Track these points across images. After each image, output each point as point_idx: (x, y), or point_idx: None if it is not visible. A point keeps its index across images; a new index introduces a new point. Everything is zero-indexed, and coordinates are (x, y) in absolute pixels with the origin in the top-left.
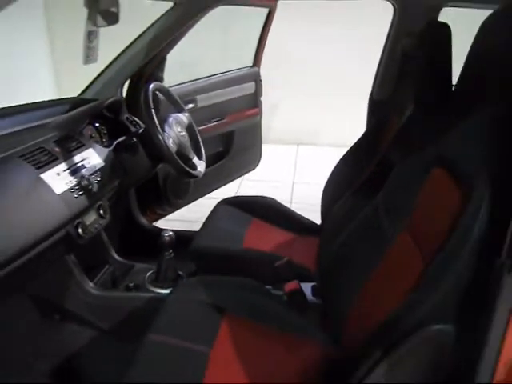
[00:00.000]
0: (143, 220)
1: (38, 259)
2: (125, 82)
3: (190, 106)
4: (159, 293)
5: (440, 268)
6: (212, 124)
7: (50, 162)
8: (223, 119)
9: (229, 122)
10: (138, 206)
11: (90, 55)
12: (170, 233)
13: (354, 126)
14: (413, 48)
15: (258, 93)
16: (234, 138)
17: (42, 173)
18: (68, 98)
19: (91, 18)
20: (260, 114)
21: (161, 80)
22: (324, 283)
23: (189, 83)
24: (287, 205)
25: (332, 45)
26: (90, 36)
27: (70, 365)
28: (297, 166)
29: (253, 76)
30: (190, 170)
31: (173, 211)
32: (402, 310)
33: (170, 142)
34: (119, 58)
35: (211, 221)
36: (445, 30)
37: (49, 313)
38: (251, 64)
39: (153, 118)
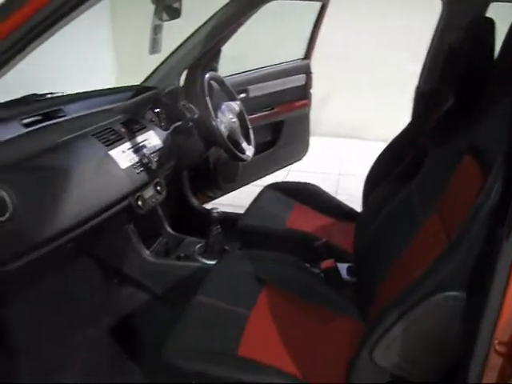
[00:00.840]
0: (194, 201)
1: (104, 225)
2: (183, 71)
3: (242, 95)
4: (206, 263)
5: (456, 240)
6: (262, 113)
7: (116, 140)
8: (273, 109)
9: (278, 113)
10: (190, 187)
11: (154, 47)
12: (219, 209)
13: (403, 120)
14: (459, 42)
15: (307, 85)
16: (282, 128)
17: (110, 150)
18: (132, 86)
19: (157, 13)
20: (309, 105)
21: (215, 70)
22: (359, 263)
23: (241, 74)
24: None
25: (384, 38)
26: (156, 29)
27: (126, 324)
28: (344, 158)
29: (303, 68)
30: (239, 154)
31: (222, 195)
32: (420, 278)
33: (222, 128)
34: (179, 50)
35: (257, 203)
36: (489, 25)
37: (110, 276)
38: (302, 56)
39: (207, 105)
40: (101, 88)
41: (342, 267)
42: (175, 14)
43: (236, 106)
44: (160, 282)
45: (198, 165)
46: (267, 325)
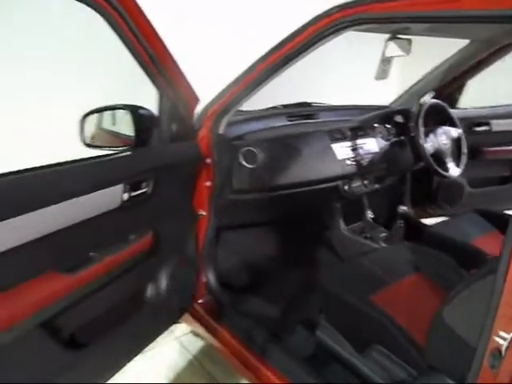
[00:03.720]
0: (409, 209)
1: (316, 195)
2: (422, 96)
3: (484, 128)
4: (383, 247)
5: None
6: (504, 148)
7: (340, 138)
8: None
9: None
10: (410, 197)
11: (381, 75)
12: (405, 208)
13: None
14: None
15: None
16: None
17: (332, 143)
18: (372, 105)
19: (387, 49)
20: None
21: (455, 101)
22: None
23: (488, 108)
24: None
25: None
26: (384, 62)
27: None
28: None
29: None
30: (440, 170)
31: (440, 214)
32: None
33: (428, 146)
34: (423, 78)
35: (453, 219)
36: None
37: (316, 238)
38: None
39: (417, 125)
40: (351, 104)
41: None
42: (404, 51)
43: (455, 132)
44: (347, 251)
45: (422, 180)
46: (403, 294)
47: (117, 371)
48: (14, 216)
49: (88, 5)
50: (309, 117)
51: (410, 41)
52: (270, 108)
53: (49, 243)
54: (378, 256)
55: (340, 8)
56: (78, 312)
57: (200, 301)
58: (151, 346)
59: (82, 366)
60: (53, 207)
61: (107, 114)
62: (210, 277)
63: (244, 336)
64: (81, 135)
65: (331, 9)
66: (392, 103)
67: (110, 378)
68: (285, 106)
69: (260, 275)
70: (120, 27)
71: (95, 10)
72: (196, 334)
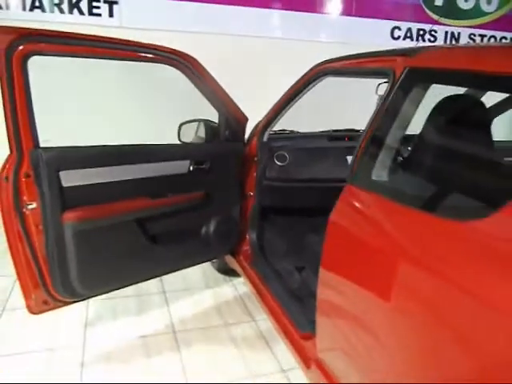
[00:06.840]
0: None
1: (333, 190)
2: None
3: None
4: None
5: None
6: None
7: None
8: None
9: None
10: None
11: None
12: None
13: None
14: None
15: None
16: None
17: (348, 156)
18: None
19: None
20: None
21: None
22: None
23: None
24: None
25: None
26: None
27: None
28: None
29: None
30: None
31: None
32: None
33: None
34: None
35: None
36: None
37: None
38: None
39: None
40: None
41: None
42: None
43: None
44: None
45: None
46: None
47: (173, 271)
48: (148, 162)
49: (172, 66)
50: (348, 139)
51: None
52: (320, 131)
53: (147, 182)
54: None
55: (321, 63)
56: (157, 225)
57: (245, 248)
58: (215, 284)
59: (156, 255)
60: (152, 164)
61: (200, 126)
62: (252, 235)
63: (262, 274)
64: (178, 137)
65: (317, 64)
66: None
67: (169, 273)
68: (334, 131)
69: (284, 240)
70: (191, 77)
71: (176, 68)
72: (245, 284)
